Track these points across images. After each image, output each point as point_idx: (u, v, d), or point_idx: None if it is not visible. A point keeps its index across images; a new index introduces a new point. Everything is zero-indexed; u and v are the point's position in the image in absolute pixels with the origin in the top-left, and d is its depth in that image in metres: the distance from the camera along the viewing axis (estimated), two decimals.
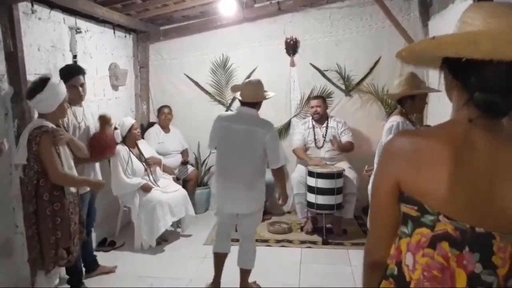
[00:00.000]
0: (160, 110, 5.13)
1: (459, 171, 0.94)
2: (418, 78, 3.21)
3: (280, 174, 3.20)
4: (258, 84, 3.12)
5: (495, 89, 0.94)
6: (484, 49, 0.89)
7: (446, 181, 0.94)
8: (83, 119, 3.28)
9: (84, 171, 3.21)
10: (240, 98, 3.10)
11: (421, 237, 0.99)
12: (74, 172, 2.83)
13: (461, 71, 0.99)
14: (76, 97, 3.16)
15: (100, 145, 3.28)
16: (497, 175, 0.95)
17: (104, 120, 3.31)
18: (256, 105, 3.07)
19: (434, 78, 3.06)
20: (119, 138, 3.98)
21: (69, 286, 3.24)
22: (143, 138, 4.75)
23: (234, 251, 3.23)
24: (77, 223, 2.79)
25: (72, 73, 3.16)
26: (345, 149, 4.62)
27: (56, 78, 2.77)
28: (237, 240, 3.24)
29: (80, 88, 3.19)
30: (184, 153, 5.21)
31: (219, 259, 3.21)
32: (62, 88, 2.74)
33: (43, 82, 2.64)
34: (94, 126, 3.39)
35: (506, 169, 0.95)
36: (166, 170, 4.64)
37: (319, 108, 4.62)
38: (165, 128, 5.08)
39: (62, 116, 2.84)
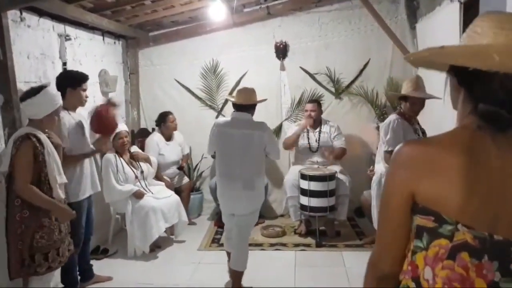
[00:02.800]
0: (164, 118, 4.86)
1: (473, 178, 0.94)
2: (419, 82, 3.29)
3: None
4: (251, 90, 3.31)
5: (500, 102, 0.94)
6: (492, 62, 0.89)
7: (462, 188, 0.93)
8: (83, 123, 3.30)
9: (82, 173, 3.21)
10: (233, 100, 3.28)
11: (439, 248, 0.96)
12: (63, 179, 2.77)
13: (467, 79, 0.99)
14: (81, 101, 3.26)
15: (99, 118, 3.31)
16: (509, 179, 0.94)
17: (111, 103, 3.46)
18: (250, 110, 3.21)
19: (439, 84, 3.12)
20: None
21: None
22: (135, 145, 4.73)
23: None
24: (63, 232, 2.73)
25: (83, 79, 3.23)
26: (338, 157, 4.64)
27: (53, 88, 2.75)
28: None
29: (84, 93, 3.26)
30: (183, 158, 5.06)
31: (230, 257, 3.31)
32: (56, 99, 2.72)
33: (39, 88, 2.64)
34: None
35: None
36: (167, 185, 4.59)
37: (313, 112, 4.63)
38: (168, 136, 4.90)
39: (49, 127, 2.76)
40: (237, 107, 3.23)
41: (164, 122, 4.85)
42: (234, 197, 3.14)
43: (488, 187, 0.94)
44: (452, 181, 0.94)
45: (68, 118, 3.12)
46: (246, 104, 3.21)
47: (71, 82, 3.16)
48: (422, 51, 1.04)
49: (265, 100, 3.58)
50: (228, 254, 3.34)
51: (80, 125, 3.24)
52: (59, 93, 2.80)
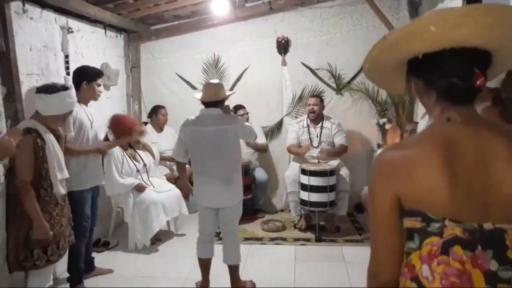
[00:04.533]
0: (156, 111, 5.04)
1: (453, 171, 0.95)
2: None
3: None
4: (218, 85, 3.21)
5: (453, 73, 0.99)
6: (431, 37, 0.95)
7: (444, 184, 0.95)
8: (93, 118, 3.35)
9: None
10: (198, 98, 3.16)
11: (431, 246, 0.97)
12: (64, 174, 2.77)
13: (422, 69, 1.04)
14: (95, 96, 3.34)
15: (118, 122, 3.52)
16: (489, 166, 0.96)
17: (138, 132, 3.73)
18: (219, 104, 3.09)
19: None
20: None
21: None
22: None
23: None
24: (64, 225, 2.74)
25: (98, 74, 3.35)
26: (338, 154, 4.65)
27: (71, 93, 2.76)
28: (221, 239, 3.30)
29: (98, 88, 3.34)
30: None
31: (204, 263, 3.22)
32: (69, 105, 2.75)
33: (60, 88, 2.68)
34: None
35: (497, 159, 0.96)
36: (164, 158, 4.76)
37: (316, 106, 4.63)
38: (159, 129, 5.04)
39: (53, 126, 2.76)
40: (206, 103, 3.11)
41: (156, 114, 5.01)
42: (214, 192, 3.05)
43: (470, 178, 0.96)
44: (433, 179, 0.96)
45: (79, 110, 3.16)
46: (211, 101, 3.09)
47: (87, 76, 3.25)
48: (370, 51, 1.07)
49: (233, 93, 3.53)
50: (201, 261, 3.21)
51: (89, 118, 3.28)
52: (75, 100, 2.82)
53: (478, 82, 0.98)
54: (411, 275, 1.01)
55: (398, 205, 1.02)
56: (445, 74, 1.00)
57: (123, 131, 3.54)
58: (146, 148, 4.47)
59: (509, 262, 0.94)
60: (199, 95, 3.18)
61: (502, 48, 1.00)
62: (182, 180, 3.36)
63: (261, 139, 4.99)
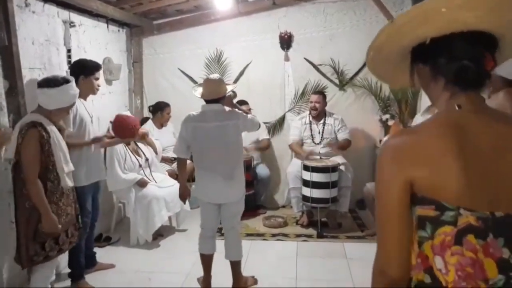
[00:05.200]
0: (162, 108, 4.92)
1: (466, 159, 0.93)
2: None
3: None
4: (218, 80, 3.13)
5: (464, 56, 0.97)
6: (441, 19, 0.94)
7: (458, 172, 0.92)
8: (92, 113, 3.34)
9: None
10: (198, 96, 3.12)
11: (445, 236, 0.94)
12: (70, 167, 2.78)
13: (429, 54, 1.02)
14: (93, 90, 3.31)
15: (119, 124, 3.49)
16: (500, 156, 0.95)
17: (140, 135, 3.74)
18: (220, 99, 3.06)
19: None
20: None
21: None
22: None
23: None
24: (70, 214, 2.75)
25: (96, 68, 3.31)
26: (343, 148, 4.64)
27: (73, 86, 2.75)
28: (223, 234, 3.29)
29: (97, 82, 3.31)
30: None
31: (206, 259, 3.21)
32: (72, 97, 2.74)
33: (62, 81, 2.66)
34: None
35: (507, 146, 0.95)
36: (164, 159, 4.75)
37: (318, 104, 4.60)
38: (160, 125, 5.00)
39: (56, 119, 2.78)
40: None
41: (161, 112, 4.93)
42: (216, 188, 3.04)
43: (482, 165, 0.94)
44: (447, 166, 0.93)
45: (78, 104, 3.13)
46: (213, 98, 3.05)
47: (84, 70, 3.22)
48: (377, 36, 1.05)
49: (235, 87, 3.45)
50: (203, 256, 3.20)
51: (89, 113, 3.27)
52: (77, 92, 2.80)
53: (488, 67, 0.97)
54: (424, 266, 0.97)
55: (409, 192, 0.97)
56: (455, 57, 0.98)
57: (124, 133, 3.54)
58: (148, 143, 4.46)
59: None
60: (199, 91, 3.14)
61: (508, 32, 0.99)
62: (181, 179, 3.29)
63: (263, 135, 4.98)
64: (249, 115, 3.17)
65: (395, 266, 1.00)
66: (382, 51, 1.08)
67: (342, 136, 4.64)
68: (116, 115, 3.67)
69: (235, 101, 3.47)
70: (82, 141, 3.22)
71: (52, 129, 2.66)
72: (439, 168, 0.94)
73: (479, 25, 0.96)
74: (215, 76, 3.23)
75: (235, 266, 3.19)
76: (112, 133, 3.60)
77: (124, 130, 3.54)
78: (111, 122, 3.64)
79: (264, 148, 5.10)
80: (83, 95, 3.25)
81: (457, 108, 0.99)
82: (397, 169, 0.98)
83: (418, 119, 3.70)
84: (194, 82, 5.33)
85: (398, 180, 0.98)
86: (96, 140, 3.31)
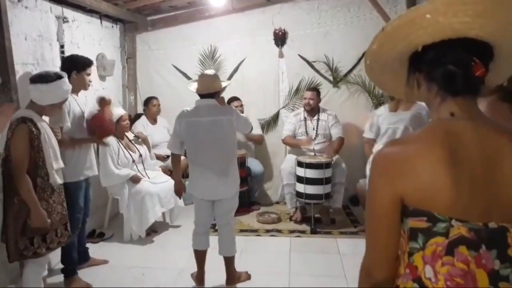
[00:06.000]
0: (149, 102, 5.03)
1: (458, 168, 0.93)
2: None
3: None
4: (213, 76, 3.15)
5: (452, 61, 0.97)
6: (428, 26, 0.95)
7: (449, 183, 0.92)
8: (84, 108, 3.35)
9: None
10: (193, 90, 3.13)
11: (436, 246, 0.95)
12: (60, 164, 2.77)
13: (422, 61, 1.02)
14: (85, 86, 3.30)
15: (100, 125, 3.37)
16: (493, 166, 0.95)
17: (104, 102, 3.43)
18: (214, 95, 3.07)
19: None
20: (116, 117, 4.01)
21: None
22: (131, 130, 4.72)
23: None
24: (60, 213, 2.74)
25: (88, 64, 3.29)
26: (338, 150, 4.63)
27: (66, 81, 2.74)
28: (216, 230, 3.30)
29: (88, 78, 3.30)
30: None
31: (200, 255, 3.22)
32: (65, 93, 2.74)
33: (54, 76, 2.65)
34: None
35: (500, 158, 0.95)
36: (157, 157, 4.71)
37: (312, 100, 4.61)
38: (153, 120, 5.03)
39: (49, 115, 2.79)
40: (201, 94, 3.08)
41: (147, 106, 5.00)
42: (210, 184, 3.04)
43: (474, 175, 0.94)
44: (438, 177, 0.93)
45: (70, 99, 3.13)
46: (208, 92, 3.06)
47: (76, 66, 3.20)
48: (370, 45, 1.05)
49: (229, 83, 3.47)
50: (197, 252, 3.20)
51: (81, 108, 3.27)
52: (70, 87, 2.79)
53: (477, 73, 0.96)
54: (413, 276, 0.98)
55: (399, 205, 0.99)
56: (442, 63, 0.98)
57: (101, 133, 3.47)
58: (142, 139, 4.46)
59: (509, 260, 0.93)
60: (194, 86, 3.15)
61: (503, 40, 0.98)
62: (175, 175, 3.31)
63: (256, 131, 4.99)
64: (242, 115, 3.18)
65: (381, 269, 1.04)
66: (379, 59, 1.08)
67: (335, 132, 4.65)
68: (94, 114, 3.47)
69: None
70: (84, 139, 3.26)
71: (43, 125, 2.65)
72: (430, 180, 0.94)
73: (468, 32, 0.95)
74: (210, 71, 3.24)
75: (229, 262, 3.20)
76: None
77: (102, 130, 3.45)
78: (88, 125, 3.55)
79: (257, 141, 5.10)
80: (75, 91, 3.23)
81: (449, 116, 0.99)
82: (386, 182, 1.00)
83: (381, 110, 3.73)
84: (188, 78, 5.32)
85: (386, 193, 0.99)
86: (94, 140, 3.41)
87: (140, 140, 4.44)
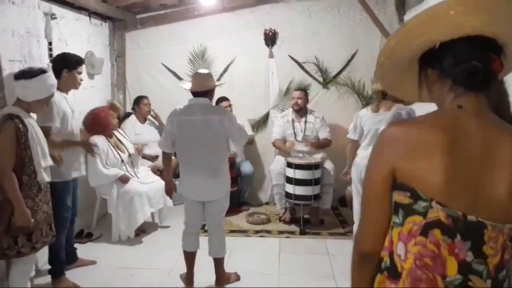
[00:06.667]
0: (139, 101, 4.93)
1: (453, 158, 0.96)
2: None
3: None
4: (207, 74, 3.17)
5: (472, 58, 0.99)
6: (450, 23, 0.97)
7: (440, 168, 0.95)
8: (74, 107, 3.30)
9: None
10: (186, 88, 3.13)
11: (413, 225, 0.99)
12: (48, 162, 2.72)
13: (437, 58, 1.04)
14: (76, 84, 3.26)
15: (97, 117, 3.46)
16: (488, 163, 0.97)
17: (114, 107, 3.61)
18: (206, 94, 3.07)
19: None
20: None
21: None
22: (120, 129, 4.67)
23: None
24: (46, 212, 2.71)
25: (79, 62, 3.26)
26: (322, 146, 4.66)
27: (51, 76, 2.71)
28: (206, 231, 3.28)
29: (79, 76, 3.27)
30: None
31: (190, 256, 3.20)
32: (51, 87, 2.69)
33: (38, 72, 2.60)
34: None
35: (497, 157, 0.97)
36: (146, 157, 4.64)
37: (300, 100, 4.63)
38: (142, 119, 4.96)
39: (36, 111, 2.75)
40: (194, 93, 3.07)
41: (138, 105, 4.91)
42: (201, 184, 3.02)
43: (468, 167, 0.96)
44: (432, 161, 0.96)
45: (60, 98, 3.09)
46: (201, 90, 3.05)
47: (67, 64, 3.17)
48: (388, 41, 1.06)
49: (223, 83, 3.52)
50: (186, 253, 3.19)
51: (70, 107, 3.22)
52: (55, 82, 2.75)
53: (497, 68, 0.99)
54: (390, 249, 1.04)
55: (392, 176, 1.02)
56: (464, 59, 1.00)
57: (97, 130, 3.48)
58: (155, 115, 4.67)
59: (483, 256, 0.96)
60: (187, 85, 3.15)
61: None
62: (166, 174, 3.29)
63: (247, 131, 4.98)
64: (239, 123, 3.15)
65: (368, 241, 1.10)
66: (392, 57, 1.09)
67: (322, 134, 4.67)
68: (90, 111, 3.56)
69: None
70: (73, 141, 3.25)
71: (30, 122, 2.61)
72: (423, 160, 0.97)
73: (486, 30, 0.98)
74: (204, 70, 3.25)
75: (218, 263, 3.19)
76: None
77: (98, 126, 3.46)
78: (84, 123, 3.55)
79: (248, 141, 5.08)
80: (65, 89, 3.20)
81: (457, 108, 1.01)
82: (386, 155, 1.03)
83: (363, 112, 3.79)
84: (178, 77, 5.30)
85: (382, 168, 1.03)
86: (86, 145, 3.44)
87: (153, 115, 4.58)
